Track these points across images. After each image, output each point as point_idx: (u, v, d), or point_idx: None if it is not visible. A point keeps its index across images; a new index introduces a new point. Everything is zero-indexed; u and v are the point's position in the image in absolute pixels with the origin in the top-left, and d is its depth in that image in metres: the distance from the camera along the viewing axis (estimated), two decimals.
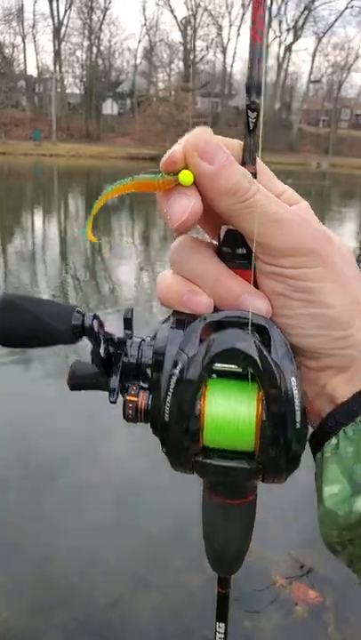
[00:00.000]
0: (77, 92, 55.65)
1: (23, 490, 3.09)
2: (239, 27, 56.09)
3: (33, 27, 53.15)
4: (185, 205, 0.38)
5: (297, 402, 0.38)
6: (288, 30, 57.21)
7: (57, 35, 51.87)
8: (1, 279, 7.80)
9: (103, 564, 2.60)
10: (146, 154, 42.14)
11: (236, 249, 0.40)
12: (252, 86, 0.40)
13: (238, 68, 61.25)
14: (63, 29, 52.15)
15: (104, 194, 0.43)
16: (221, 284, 0.39)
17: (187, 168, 0.38)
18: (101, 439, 3.67)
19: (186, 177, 0.38)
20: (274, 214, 0.37)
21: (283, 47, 57.16)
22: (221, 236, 0.41)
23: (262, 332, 0.39)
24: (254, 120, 0.39)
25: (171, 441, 0.41)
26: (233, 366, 0.40)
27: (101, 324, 0.49)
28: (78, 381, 0.50)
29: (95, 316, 0.48)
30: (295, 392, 0.38)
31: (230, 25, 56.43)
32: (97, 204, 0.44)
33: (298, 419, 0.39)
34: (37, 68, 55.53)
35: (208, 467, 0.41)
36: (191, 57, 55.29)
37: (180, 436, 0.40)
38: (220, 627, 0.57)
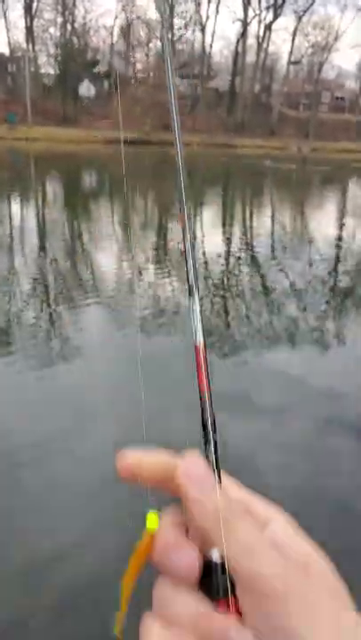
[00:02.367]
0: (52, 72, 54.42)
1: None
2: (218, 3, 55.37)
3: (3, 1, 51.38)
4: (192, 558, 0.40)
5: None
6: (268, 8, 56.62)
7: (28, 10, 50.38)
8: None
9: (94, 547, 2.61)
10: (125, 137, 41.65)
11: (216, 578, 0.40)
12: None
13: (218, 48, 60.55)
14: (35, 4, 50.81)
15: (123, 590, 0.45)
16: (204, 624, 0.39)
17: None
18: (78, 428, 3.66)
19: (153, 523, 0.41)
20: (247, 542, 0.39)
21: (262, 26, 56.69)
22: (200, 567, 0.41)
23: None
24: None
25: None
26: None
27: None
28: None
29: None
30: None
31: (209, 2, 55.33)
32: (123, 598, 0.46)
33: None
34: (9, 45, 53.75)
35: None
36: (168, 33, 54.27)
37: None
38: None
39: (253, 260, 9.03)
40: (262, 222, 13.52)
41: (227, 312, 6.32)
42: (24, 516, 2.84)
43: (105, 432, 3.64)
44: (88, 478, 3.14)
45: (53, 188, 19.27)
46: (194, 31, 57.35)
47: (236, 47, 56.62)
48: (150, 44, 56.00)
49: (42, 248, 9.40)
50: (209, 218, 13.72)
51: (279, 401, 4.16)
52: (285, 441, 3.62)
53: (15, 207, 13.88)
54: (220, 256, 9.16)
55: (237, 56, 56.87)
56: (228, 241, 10.76)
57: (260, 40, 57.12)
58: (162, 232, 11.67)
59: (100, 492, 3.01)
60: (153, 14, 52.47)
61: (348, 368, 4.95)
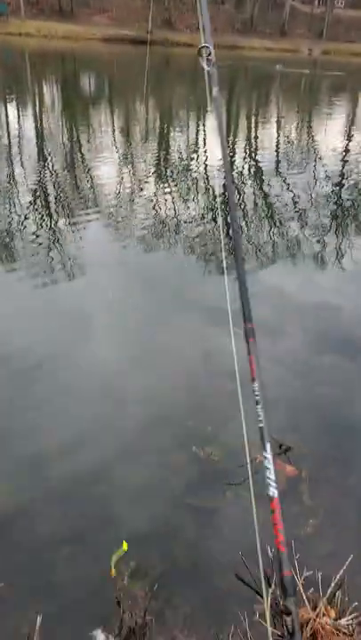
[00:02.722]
0: None
1: (10, 382, 3.30)
2: None
3: None
4: None
5: None
6: None
7: None
8: None
9: (93, 443, 2.87)
10: (124, 35, 38.65)
11: None
12: None
13: None
14: None
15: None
16: None
17: None
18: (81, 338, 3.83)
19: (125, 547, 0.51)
20: None
21: None
22: None
23: None
24: None
25: None
26: None
27: None
28: None
29: None
30: None
31: None
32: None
33: None
34: None
35: None
36: None
37: None
38: None
39: (257, 174, 8.83)
40: (267, 133, 13.00)
41: (227, 226, 6.31)
42: (30, 415, 3.08)
43: (103, 342, 3.83)
44: (88, 384, 3.36)
45: (50, 91, 18.23)
46: None
47: None
48: None
49: (42, 157, 9.14)
50: (212, 126, 13.14)
51: (275, 316, 4.31)
52: (280, 355, 3.81)
53: (10, 111, 13.25)
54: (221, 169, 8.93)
55: None
56: (231, 153, 10.43)
57: None
58: (164, 142, 11.27)
59: (99, 398, 3.24)
60: None
61: (346, 285, 5.07)
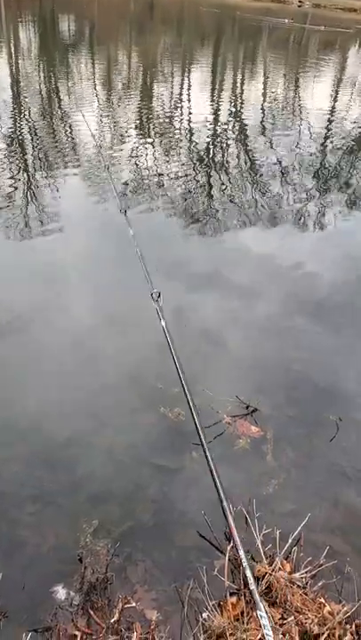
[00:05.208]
0: None
1: None
2: None
3: None
4: None
5: None
6: None
7: None
8: None
9: (62, 405, 2.85)
10: None
11: None
12: None
13: None
14: None
15: None
16: None
17: None
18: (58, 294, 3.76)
19: None
20: None
21: None
22: None
23: None
24: None
25: None
26: None
27: None
28: None
29: None
30: None
31: None
32: None
33: None
34: None
35: None
36: None
37: None
38: None
39: (241, 133, 8.61)
40: (253, 90, 12.61)
41: (210, 187, 6.17)
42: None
43: (82, 302, 3.76)
44: (64, 347, 3.31)
45: (27, 35, 17.29)
46: None
47: None
48: None
49: (17, 105, 8.73)
50: (197, 83, 12.70)
51: (251, 280, 4.28)
52: (253, 318, 3.80)
53: None
54: (206, 127, 8.68)
55: None
56: (216, 110, 10.12)
57: None
58: (145, 95, 10.86)
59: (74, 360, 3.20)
60: None
61: (324, 249, 5.04)
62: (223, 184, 6.33)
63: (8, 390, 2.90)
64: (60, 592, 2.01)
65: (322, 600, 1.91)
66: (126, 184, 5.90)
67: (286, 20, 28.26)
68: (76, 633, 1.87)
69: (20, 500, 2.32)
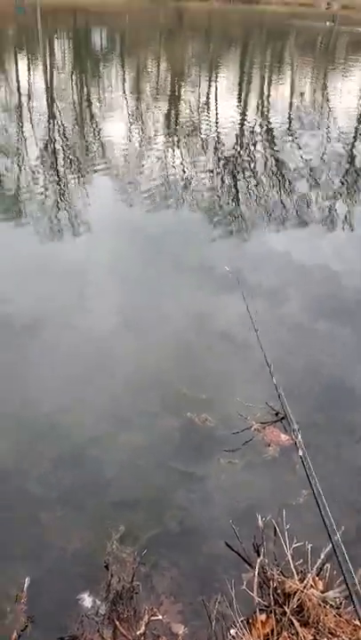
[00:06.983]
0: None
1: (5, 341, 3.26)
2: None
3: None
4: None
5: None
6: None
7: None
8: None
9: (87, 406, 2.84)
10: None
11: None
12: None
13: None
14: None
15: None
16: None
17: None
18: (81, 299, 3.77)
19: None
20: None
21: None
22: None
23: None
24: None
25: None
26: None
27: None
28: None
29: None
30: None
31: None
32: None
33: None
34: None
35: None
36: None
37: None
38: None
39: (268, 135, 8.52)
40: (281, 92, 12.48)
41: (236, 188, 6.11)
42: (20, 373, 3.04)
43: (103, 304, 3.76)
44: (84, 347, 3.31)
45: (62, 48, 17.63)
46: None
47: None
48: None
49: (51, 114, 8.89)
50: (224, 86, 12.67)
51: (276, 280, 4.19)
52: (279, 319, 3.72)
53: (22, 67, 12.89)
54: (233, 128, 8.64)
55: None
56: (243, 112, 10.07)
57: None
58: (174, 102, 10.89)
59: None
60: None
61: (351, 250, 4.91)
62: (249, 186, 6.25)
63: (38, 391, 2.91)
64: (87, 600, 1.98)
65: (357, 622, 1.81)
66: (151, 188, 5.90)
67: (327, 23, 28.13)
68: None
69: (45, 504, 2.31)
